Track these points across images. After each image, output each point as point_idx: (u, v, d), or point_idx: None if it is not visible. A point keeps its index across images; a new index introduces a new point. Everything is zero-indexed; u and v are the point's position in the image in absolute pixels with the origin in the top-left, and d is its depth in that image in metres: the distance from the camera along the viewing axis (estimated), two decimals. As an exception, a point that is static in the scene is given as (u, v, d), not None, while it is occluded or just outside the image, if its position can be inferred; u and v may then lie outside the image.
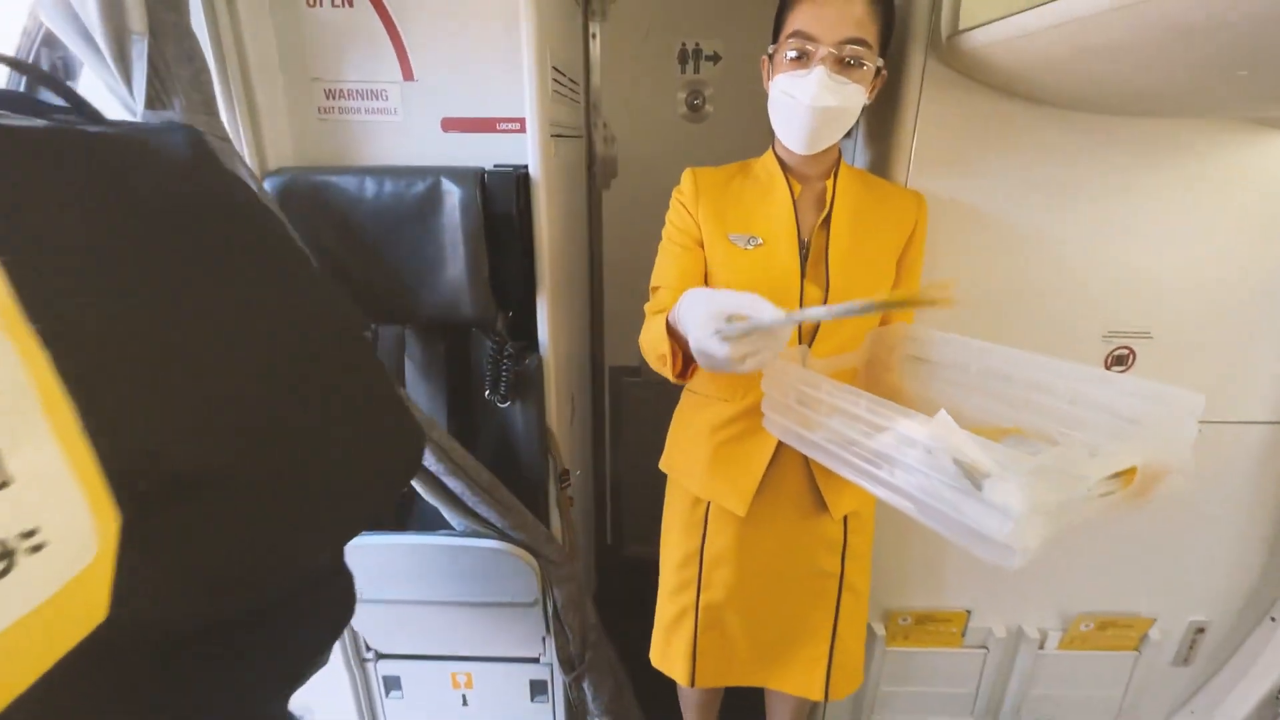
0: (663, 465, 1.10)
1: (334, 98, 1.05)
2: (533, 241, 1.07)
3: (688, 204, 0.97)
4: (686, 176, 1.00)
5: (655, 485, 1.13)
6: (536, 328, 1.14)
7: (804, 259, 0.92)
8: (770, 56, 0.89)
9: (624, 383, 1.91)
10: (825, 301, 0.90)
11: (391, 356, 1.16)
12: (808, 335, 0.92)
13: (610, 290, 1.82)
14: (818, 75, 0.82)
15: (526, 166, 1.04)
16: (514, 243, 1.04)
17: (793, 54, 0.84)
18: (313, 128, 1.06)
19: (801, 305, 0.91)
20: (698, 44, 1.59)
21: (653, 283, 0.99)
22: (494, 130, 1.07)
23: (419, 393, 1.18)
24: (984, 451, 0.58)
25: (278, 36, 1.02)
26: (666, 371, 0.83)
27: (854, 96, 0.84)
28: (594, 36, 1.59)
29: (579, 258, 1.58)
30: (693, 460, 1.01)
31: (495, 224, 1.02)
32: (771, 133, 0.96)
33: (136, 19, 0.79)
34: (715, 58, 1.60)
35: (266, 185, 1.00)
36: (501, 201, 1.01)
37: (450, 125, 1.06)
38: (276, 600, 0.59)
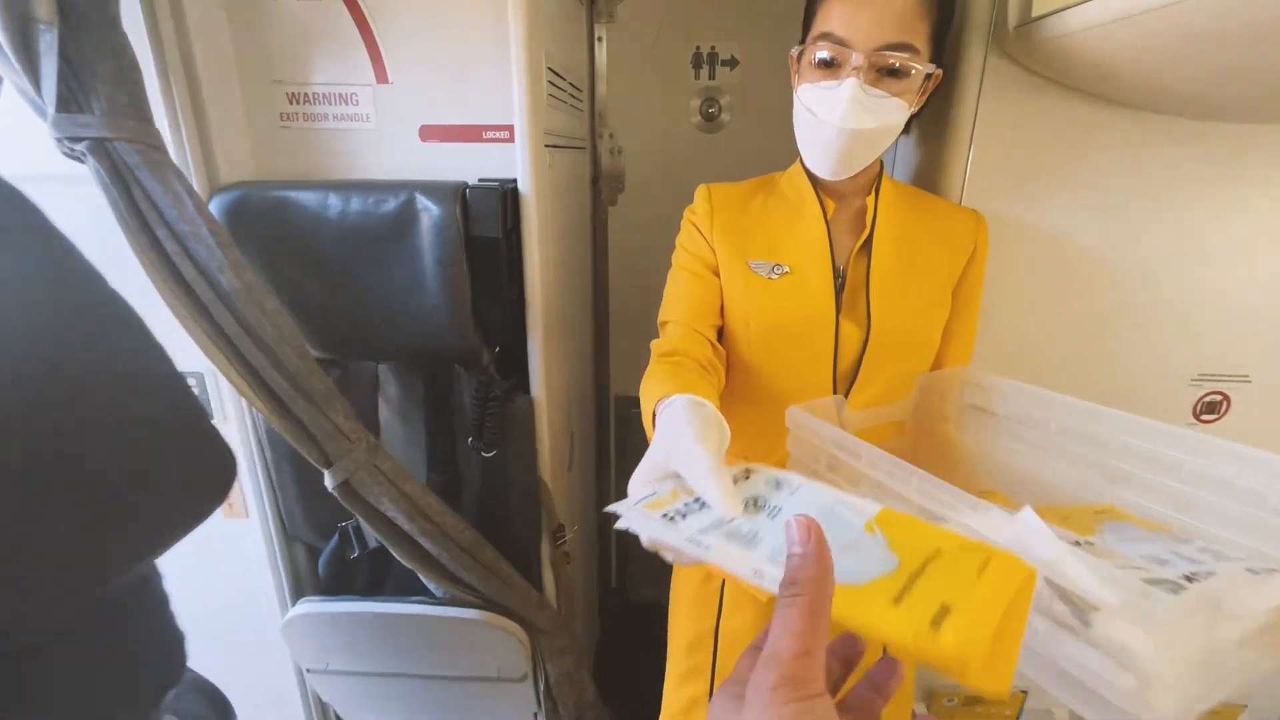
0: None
1: (298, 102, 0.92)
2: (523, 266, 0.93)
3: (701, 225, 0.83)
4: (700, 193, 0.85)
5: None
6: (528, 364, 1.00)
7: (839, 290, 0.77)
8: (798, 57, 0.74)
9: (631, 413, 1.76)
10: (866, 340, 0.75)
11: (364, 397, 1.02)
12: (844, 381, 0.77)
13: (617, 313, 1.68)
14: (849, 89, 0.66)
15: (515, 181, 0.90)
16: (501, 268, 0.90)
17: (820, 58, 0.68)
18: (274, 137, 0.93)
19: (837, 345, 0.75)
20: (713, 48, 1.45)
21: (661, 316, 0.84)
22: (479, 139, 0.93)
23: (395, 438, 1.04)
24: (1095, 574, 0.41)
25: (233, 32, 0.89)
26: None
27: (894, 112, 0.69)
28: (600, 40, 1.46)
29: (581, 279, 1.44)
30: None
31: (479, 246, 0.88)
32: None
33: (43, 5, 0.66)
34: (733, 62, 1.46)
35: (215, 204, 0.87)
36: (485, 220, 0.87)
37: (430, 134, 0.93)
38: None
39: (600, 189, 1.56)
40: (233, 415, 0.98)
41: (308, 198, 0.87)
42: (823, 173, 0.74)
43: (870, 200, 0.79)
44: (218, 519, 1.06)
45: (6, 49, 0.67)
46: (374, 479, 0.90)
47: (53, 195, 0.91)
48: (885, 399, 0.76)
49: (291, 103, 0.92)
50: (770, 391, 0.78)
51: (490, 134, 0.93)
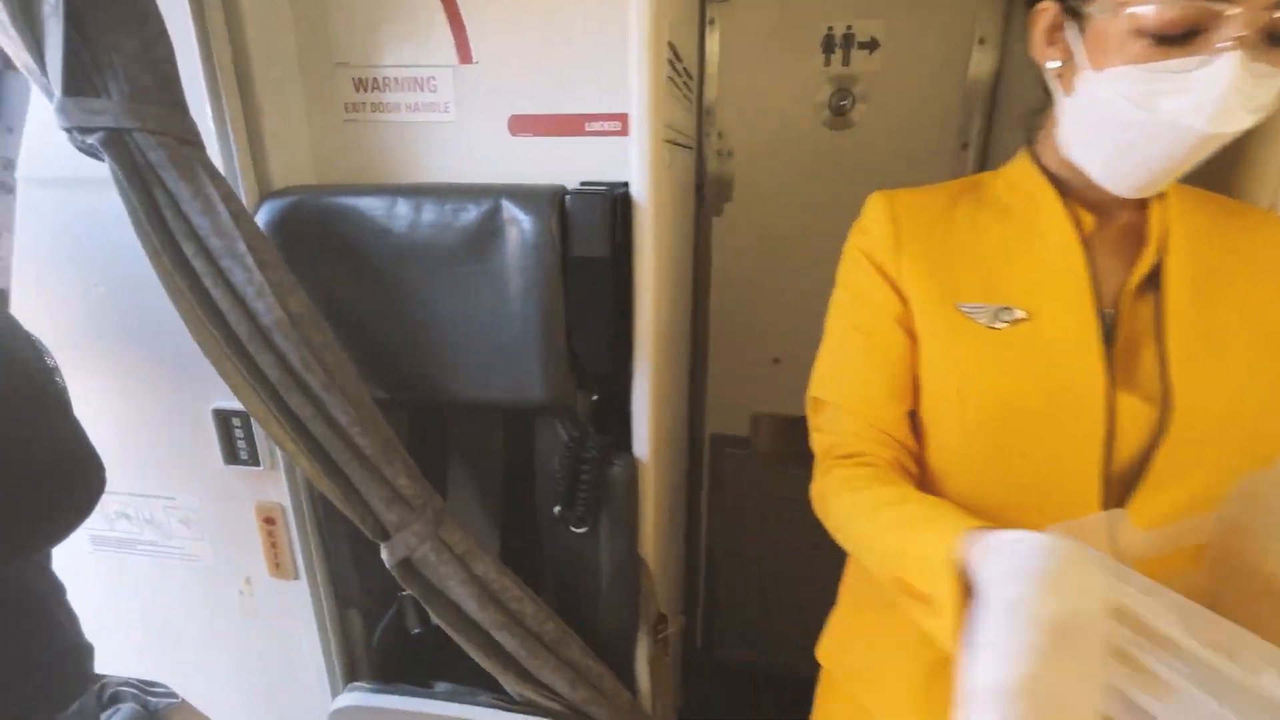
0: (821, 654, 0.71)
1: (365, 89, 0.76)
2: (632, 292, 0.72)
3: (880, 254, 0.59)
4: (876, 206, 0.61)
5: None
6: (630, 415, 0.79)
7: (1108, 347, 0.52)
8: (1076, 18, 0.48)
9: (726, 454, 1.53)
10: (1163, 423, 0.49)
11: (429, 446, 0.84)
12: (1122, 485, 0.51)
13: (717, 342, 1.46)
14: (1229, 71, 0.40)
15: (627, 184, 0.70)
16: (606, 294, 0.70)
17: (1162, 23, 0.42)
18: (336, 132, 0.78)
19: (1112, 431, 0.50)
20: (849, 28, 1.21)
21: (815, 389, 0.61)
22: (581, 132, 0.74)
23: (463, 497, 0.86)
24: None
25: (292, 6, 0.73)
26: (917, 610, 0.45)
27: (1271, 96, 0.43)
28: (711, 22, 1.25)
29: (683, 305, 1.23)
30: (887, 674, 0.61)
31: (580, 267, 0.68)
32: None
33: (44, -44, 0.51)
34: (872, 45, 1.22)
35: (263, 212, 0.71)
36: (589, 235, 0.67)
37: (521, 126, 0.74)
38: None
39: (704, 197, 1.35)
40: (282, 460, 0.83)
41: (372, 205, 0.70)
42: (1124, 188, 0.49)
43: (1155, 210, 0.53)
44: (263, 579, 0.91)
45: (3, 13, 0.52)
46: (440, 557, 0.72)
47: (81, 202, 0.79)
48: (1191, 508, 0.50)
49: (358, 90, 0.76)
50: (998, 503, 0.54)
51: (595, 125, 0.73)
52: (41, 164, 0.75)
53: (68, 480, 0.61)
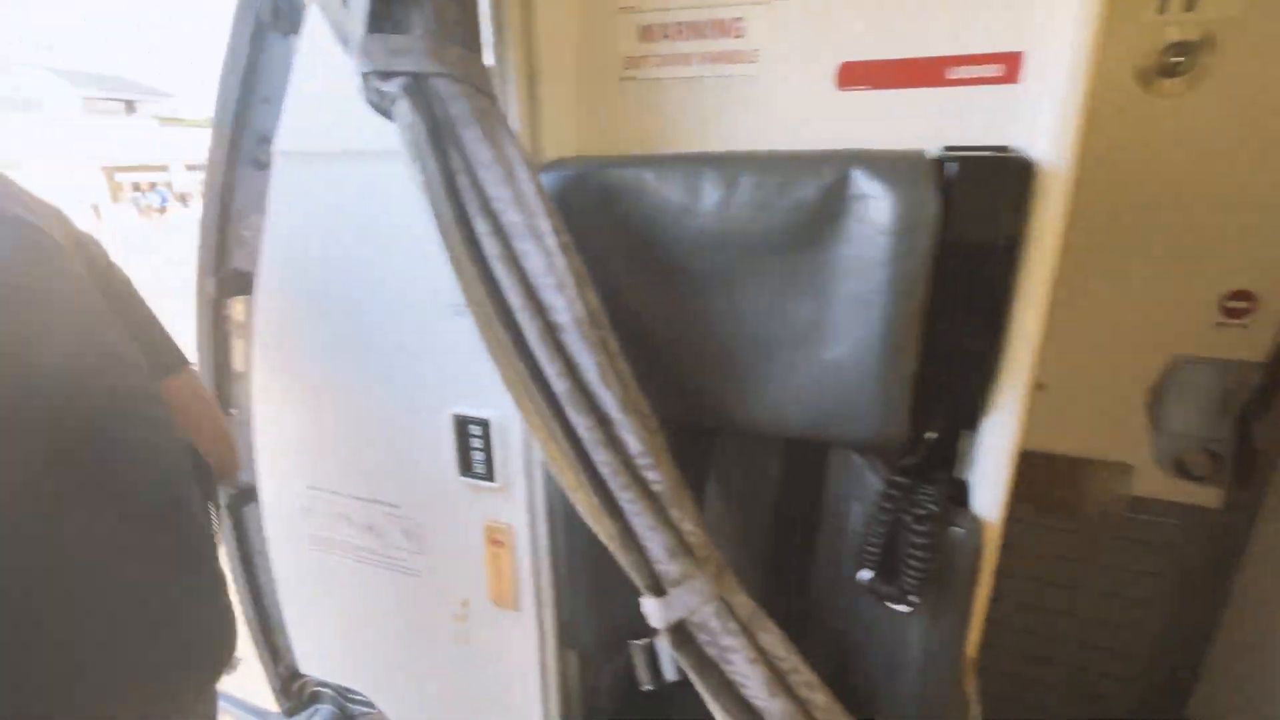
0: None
1: (652, 39, 0.62)
2: (1009, 299, 0.53)
3: None
4: None
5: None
6: (954, 458, 0.60)
7: None
8: None
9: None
10: None
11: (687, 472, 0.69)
12: None
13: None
14: None
15: (1015, 151, 0.51)
16: (997, 297, 0.51)
17: None
18: (611, 93, 0.64)
19: None
20: (1201, -39, 0.94)
21: None
22: (940, 82, 0.55)
23: (722, 541, 0.70)
24: None
25: (579, -63, 0.61)
26: None
27: None
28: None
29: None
30: None
31: (964, 259, 0.49)
32: None
33: None
34: (1232, -18, 0.93)
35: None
36: (985, 216, 0.49)
37: (855, 76, 0.57)
38: None
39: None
40: (521, 478, 0.72)
41: (671, 180, 0.56)
42: None
43: None
44: (482, 605, 0.81)
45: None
46: (724, 624, 0.57)
47: (336, 176, 0.71)
48: None
49: (643, 39, 0.62)
50: None
51: (962, 71, 0.54)
52: (300, 136, 0.68)
53: (203, 655, 0.55)
